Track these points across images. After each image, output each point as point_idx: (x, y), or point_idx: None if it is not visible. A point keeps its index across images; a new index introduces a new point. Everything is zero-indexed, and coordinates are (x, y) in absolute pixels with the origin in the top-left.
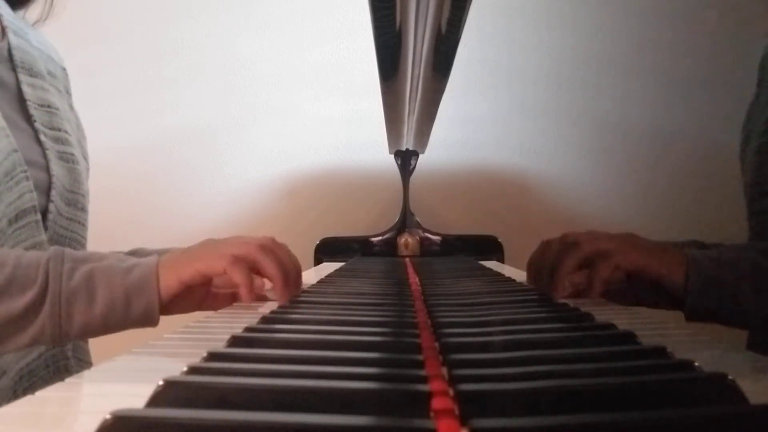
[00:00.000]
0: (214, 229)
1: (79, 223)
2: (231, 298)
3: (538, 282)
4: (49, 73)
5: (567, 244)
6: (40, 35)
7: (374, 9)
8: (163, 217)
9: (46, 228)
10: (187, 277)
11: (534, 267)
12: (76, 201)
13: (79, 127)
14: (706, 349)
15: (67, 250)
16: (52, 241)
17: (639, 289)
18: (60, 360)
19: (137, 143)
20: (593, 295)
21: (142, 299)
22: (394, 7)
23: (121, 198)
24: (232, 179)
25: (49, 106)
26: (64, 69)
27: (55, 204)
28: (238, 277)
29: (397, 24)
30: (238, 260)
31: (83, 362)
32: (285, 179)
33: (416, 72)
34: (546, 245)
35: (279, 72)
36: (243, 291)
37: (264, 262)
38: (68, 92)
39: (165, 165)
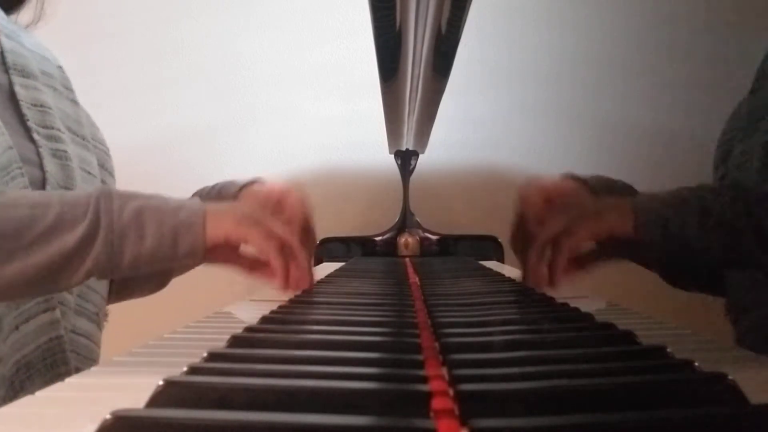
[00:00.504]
0: None
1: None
2: (259, 266)
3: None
4: (43, 73)
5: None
6: (32, 37)
7: (374, 9)
8: None
9: None
10: (234, 237)
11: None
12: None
13: (88, 119)
14: (706, 349)
15: (114, 188)
16: None
17: (606, 246)
18: (57, 353)
19: (137, 143)
20: (557, 283)
21: (188, 237)
22: (394, 7)
23: None
24: (232, 179)
25: (42, 106)
26: (60, 67)
27: None
28: (277, 264)
29: (397, 24)
30: (279, 249)
31: (82, 357)
32: (285, 179)
33: (416, 72)
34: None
35: (279, 72)
36: (279, 280)
37: (299, 256)
38: (67, 88)
39: (165, 165)
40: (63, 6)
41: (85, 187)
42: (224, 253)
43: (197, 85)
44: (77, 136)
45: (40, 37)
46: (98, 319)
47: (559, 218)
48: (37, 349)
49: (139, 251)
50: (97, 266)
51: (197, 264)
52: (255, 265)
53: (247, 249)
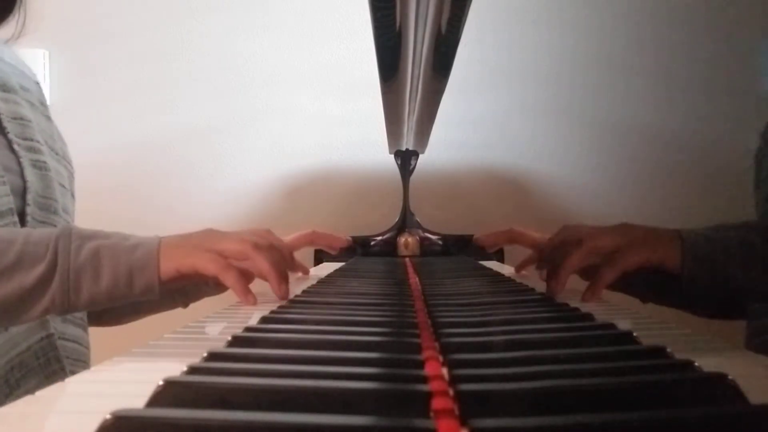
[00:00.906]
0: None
1: (52, 225)
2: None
3: (542, 267)
4: (22, 87)
5: (571, 242)
6: (12, 52)
7: (374, 9)
8: (163, 216)
9: None
10: (184, 269)
11: (546, 256)
12: (49, 206)
13: (59, 136)
14: (706, 349)
15: (75, 227)
16: None
17: (633, 278)
18: (50, 351)
19: (137, 143)
20: (594, 298)
21: (144, 276)
22: (394, 7)
23: (122, 197)
24: (232, 179)
25: (21, 119)
26: (38, 83)
27: (31, 207)
28: (230, 282)
29: (397, 24)
30: (229, 267)
31: (71, 360)
32: (285, 179)
33: (416, 72)
34: (557, 236)
35: (279, 72)
36: (239, 294)
37: (257, 261)
38: (42, 104)
39: (165, 165)
40: (63, 6)
41: (61, 200)
42: (193, 279)
43: (197, 85)
44: (52, 150)
45: (38, 38)
46: (84, 323)
47: (612, 237)
48: (29, 348)
49: (95, 290)
50: (53, 304)
51: (156, 297)
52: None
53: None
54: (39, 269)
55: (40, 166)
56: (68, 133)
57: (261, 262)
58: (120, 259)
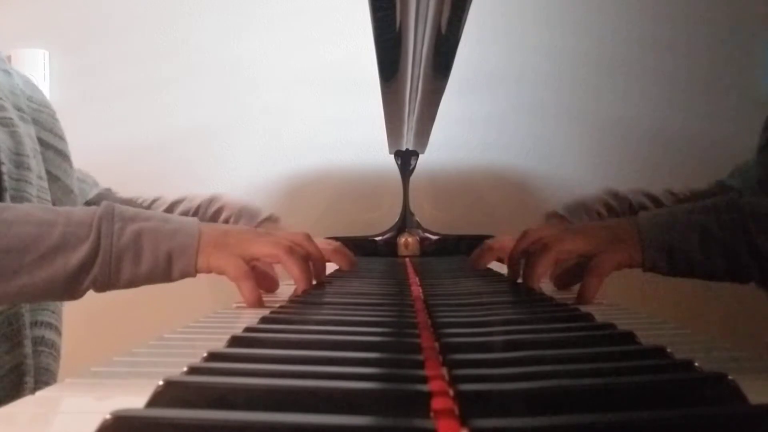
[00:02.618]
0: None
1: (26, 182)
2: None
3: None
4: None
5: (536, 248)
6: None
7: (374, 9)
8: None
9: (3, 190)
10: (214, 269)
11: (512, 266)
12: (22, 162)
13: (27, 83)
14: (706, 349)
15: (117, 207)
16: (3, 200)
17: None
18: (21, 317)
19: (137, 143)
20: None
21: (182, 262)
22: (394, 7)
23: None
24: (232, 179)
25: None
26: None
27: (7, 167)
28: (244, 291)
29: (397, 24)
30: (248, 277)
31: (41, 323)
32: (285, 179)
33: (416, 72)
34: (520, 243)
35: (279, 72)
36: (248, 304)
37: (288, 266)
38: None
39: (165, 165)
40: (63, 6)
41: (32, 156)
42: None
43: (197, 85)
44: (14, 106)
45: (38, 38)
46: None
47: (579, 241)
48: (0, 314)
49: (136, 273)
50: (95, 284)
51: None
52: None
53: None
54: (82, 251)
55: (6, 123)
56: (68, 133)
57: (291, 268)
58: (160, 243)
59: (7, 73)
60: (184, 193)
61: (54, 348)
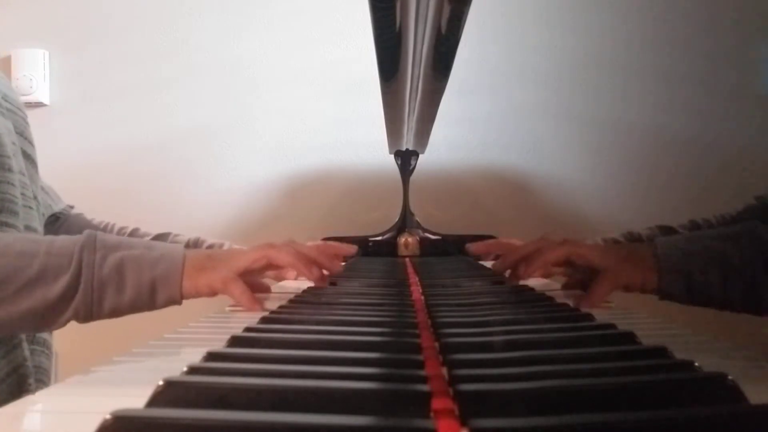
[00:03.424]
0: (214, 230)
1: (8, 183)
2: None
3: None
4: None
5: (550, 243)
6: None
7: (374, 9)
8: (163, 216)
9: None
10: (202, 291)
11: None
12: (2, 163)
13: (1, 80)
14: (706, 349)
15: (99, 236)
16: None
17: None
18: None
19: (137, 143)
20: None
21: (166, 290)
22: (394, 7)
23: (121, 197)
24: (232, 179)
25: None
26: None
27: None
28: (235, 295)
29: (397, 24)
30: (235, 281)
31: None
32: (285, 179)
33: (416, 72)
34: (536, 243)
35: (279, 72)
36: (246, 306)
37: (276, 258)
38: None
39: (165, 165)
40: (63, 6)
41: (13, 159)
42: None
43: (197, 85)
44: None
45: (38, 38)
46: None
47: (597, 253)
48: None
49: (118, 302)
50: (77, 315)
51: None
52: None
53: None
54: (63, 282)
55: None
56: (68, 133)
57: (282, 258)
58: (143, 272)
59: None
60: (163, 230)
61: (46, 346)
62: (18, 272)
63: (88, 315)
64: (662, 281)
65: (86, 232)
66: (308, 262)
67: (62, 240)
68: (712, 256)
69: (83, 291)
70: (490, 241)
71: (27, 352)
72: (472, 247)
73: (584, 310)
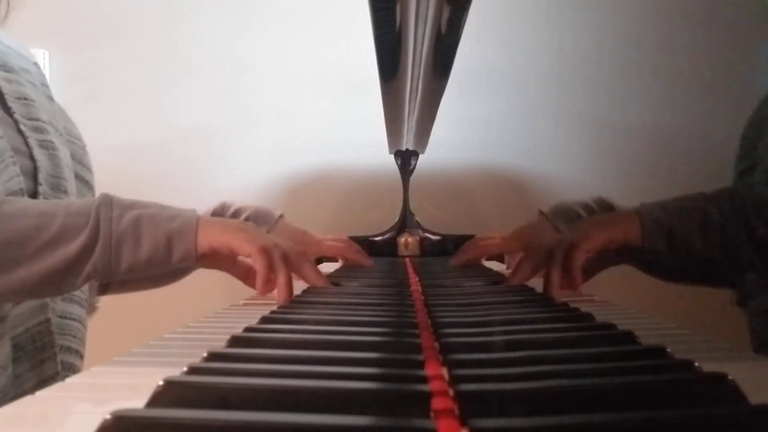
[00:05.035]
0: None
1: None
2: (251, 274)
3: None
4: (22, 69)
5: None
6: (6, 34)
7: (374, 9)
8: None
9: None
10: (218, 245)
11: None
12: (59, 185)
13: (63, 114)
14: (707, 349)
15: (115, 196)
16: None
17: (604, 256)
18: (45, 336)
19: (137, 143)
20: (578, 285)
21: (182, 244)
22: (394, 7)
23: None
24: (232, 179)
25: (25, 99)
26: (36, 64)
27: (43, 188)
28: (259, 266)
29: (397, 24)
30: (265, 251)
31: (70, 336)
32: (285, 179)
33: (416, 72)
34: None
35: (279, 72)
36: (259, 280)
37: (274, 264)
38: (44, 85)
39: (165, 165)
40: (63, 6)
41: (70, 180)
42: (220, 260)
43: (197, 85)
44: (56, 130)
45: (38, 38)
46: (87, 305)
47: (575, 227)
48: (26, 331)
49: (136, 258)
50: (95, 271)
51: (193, 266)
52: (248, 273)
53: (243, 258)
54: (81, 239)
55: (47, 146)
56: None
57: (282, 274)
58: (159, 228)
59: (51, 99)
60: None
61: (75, 372)
62: (39, 231)
63: (106, 271)
64: (644, 234)
65: (101, 193)
66: (266, 278)
67: (80, 201)
68: (692, 212)
69: (101, 247)
70: (467, 248)
71: (59, 368)
72: (456, 263)
73: (584, 310)
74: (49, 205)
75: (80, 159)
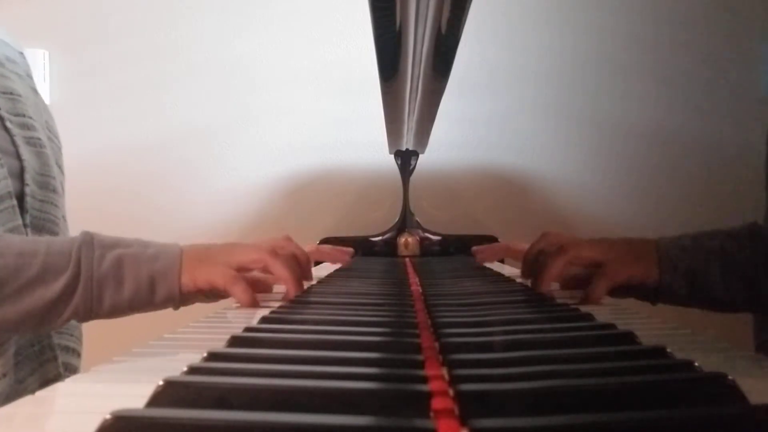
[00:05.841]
0: (214, 230)
1: (52, 204)
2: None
3: (528, 277)
4: (8, 59)
5: (552, 249)
6: None
7: (374, 9)
8: (164, 217)
9: (24, 212)
10: (201, 284)
11: (527, 264)
12: (47, 183)
13: (45, 109)
14: (706, 349)
15: (96, 235)
16: (30, 224)
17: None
18: (44, 339)
19: (137, 143)
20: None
21: (165, 286)
22: (394, 7)
23: (122, 198)
24: (232, 179)
25: (11, 93)
26: (22, 53)
27: (30, 188)
28: (236, 295)
29: (397, 24)
30: (237, 279)
31: (66, 335)
32: (285, 179)
33: (416, 72)
34: (538, 243)
35: (279, 72)
36: (245, 306)
37: (273, 266)
38: (29, 75)
39: (165, 165)
40: (63, 6)
41: (58, 177)
42: (211, 294)
43: (197, 85)
44: (41, 126)
45: (38, 38)
46: None
47: (597, 249)
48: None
49: (118, 299)
50: (76, 313)
51: (176, 307)
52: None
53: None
54: (62, 281)
55: (34, 143)
56: (68, 134)
57: (278, 269)
58: (141, 269)
59: (35, 92)
60: (164, 230)
61: (75, 372)
62: (18, 272)
63: (87, 313)
64: (663, 276)
65: (83, 232)
66: (298, 280)
67: (61, 240)
68: (713, 252)
69: (82, 289)
70: (497, 246)
71: (61, 369)
72: (479, 254)
73: (585, 309)
74: (30, 243)
75: (57, 158)
